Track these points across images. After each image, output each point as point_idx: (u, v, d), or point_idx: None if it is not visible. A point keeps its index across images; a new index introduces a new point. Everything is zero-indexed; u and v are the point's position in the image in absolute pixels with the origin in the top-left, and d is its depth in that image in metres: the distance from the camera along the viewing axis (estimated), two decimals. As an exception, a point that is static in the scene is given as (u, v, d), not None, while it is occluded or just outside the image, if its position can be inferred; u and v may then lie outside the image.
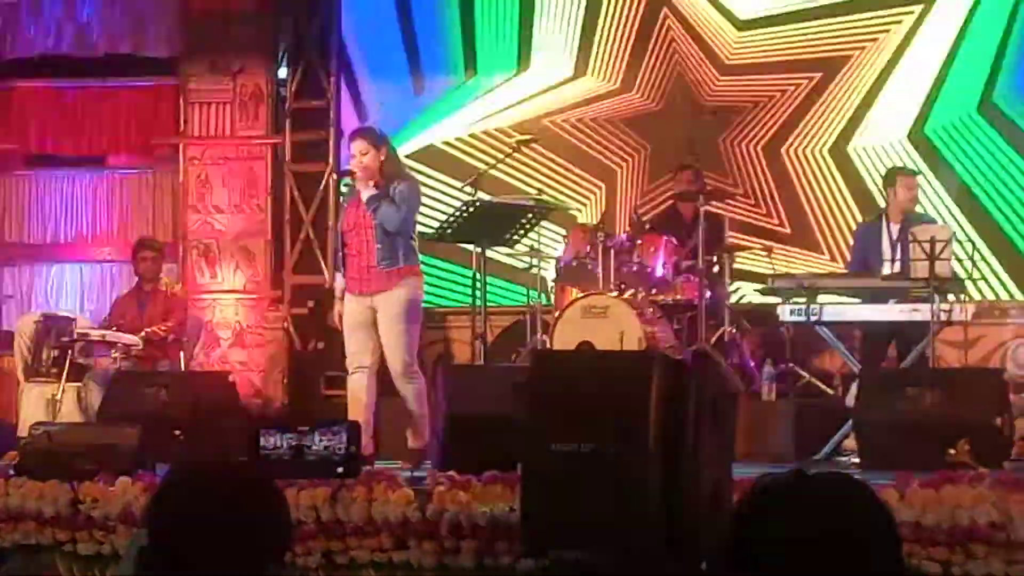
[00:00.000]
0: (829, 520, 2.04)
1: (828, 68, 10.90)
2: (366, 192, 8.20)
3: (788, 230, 10.87)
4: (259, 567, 2.50)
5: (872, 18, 10.81)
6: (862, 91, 10.82)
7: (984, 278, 9.84)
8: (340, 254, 8.50)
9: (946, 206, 10.47)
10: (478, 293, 8.93)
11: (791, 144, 10.96)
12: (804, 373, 9.66)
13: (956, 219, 10.41)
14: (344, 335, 8.39)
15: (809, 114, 10.91)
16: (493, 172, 10.14)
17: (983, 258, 9.70)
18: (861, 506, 2.07)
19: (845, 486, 2.08)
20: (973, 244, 8.88)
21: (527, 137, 10.28)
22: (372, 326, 8.25)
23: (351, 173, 8.54)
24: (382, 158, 8.24)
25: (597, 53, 11.38)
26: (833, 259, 10.66)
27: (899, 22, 10.76)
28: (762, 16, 11.06)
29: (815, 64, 10.95)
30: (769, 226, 10.87)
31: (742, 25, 11.11)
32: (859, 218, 10.48)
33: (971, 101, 10.57)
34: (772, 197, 10.96)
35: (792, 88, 10.97)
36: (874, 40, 10.81)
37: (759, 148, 11.02)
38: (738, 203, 10.71)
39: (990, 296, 10.28)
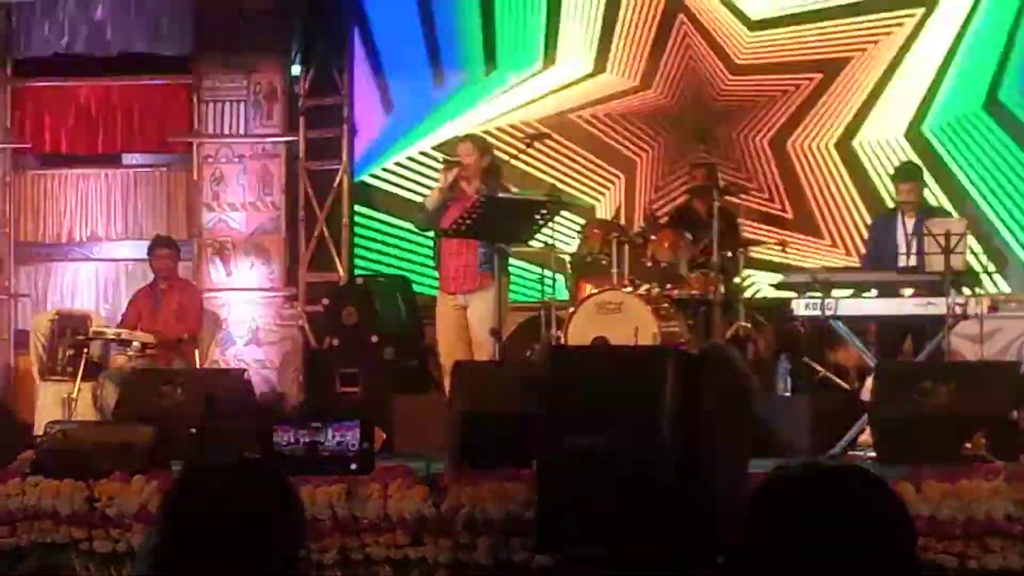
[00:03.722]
0: (840, 512, 2.03)
1: (833, 66, 10.85)
2: (469, 189, 8.99)
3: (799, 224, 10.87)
4: (273, 565, 2.50)
5: (880, 18, 10.74)
6: (867, 89, 10.76)
7: (1000, 271, 9.82)
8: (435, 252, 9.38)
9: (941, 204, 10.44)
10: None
11: (796, 139, 10.93)
12: (819, 367, 9.63)
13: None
14: (438, 335, 9.21)
15: (816, 109, 10.86)
16: (511, 165, 10.13)
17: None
18: (871, 496, 2.06)
19: (856, 478, 2.08)
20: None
21: (540, 133, 10.29)
22: (464, 327, 9.05)
23: (452, 172, 9.12)
24: (484, 164, 9.09)
25: (616, 50, 11.35)
26: (848, 253, 10.64)
27: (912, 16, 10.71)
28: (772, 17, 11.03)
29: (822, 63, 10.90)
30: (782, 216, 10.88)
31: (754, 25, 11.08)
32: (864, 213, 10.49)
33: (977, 99, 10.51)
34: (786, 193, 10.95)
35: (804, 83, 10.94)
36: (884, 36, 10.75)
37: (765, 141, 10.99)
38: (752, 197, 10.71)
39: (1006, 289, 10.26)
